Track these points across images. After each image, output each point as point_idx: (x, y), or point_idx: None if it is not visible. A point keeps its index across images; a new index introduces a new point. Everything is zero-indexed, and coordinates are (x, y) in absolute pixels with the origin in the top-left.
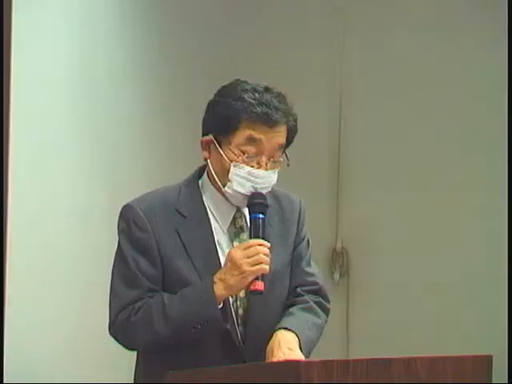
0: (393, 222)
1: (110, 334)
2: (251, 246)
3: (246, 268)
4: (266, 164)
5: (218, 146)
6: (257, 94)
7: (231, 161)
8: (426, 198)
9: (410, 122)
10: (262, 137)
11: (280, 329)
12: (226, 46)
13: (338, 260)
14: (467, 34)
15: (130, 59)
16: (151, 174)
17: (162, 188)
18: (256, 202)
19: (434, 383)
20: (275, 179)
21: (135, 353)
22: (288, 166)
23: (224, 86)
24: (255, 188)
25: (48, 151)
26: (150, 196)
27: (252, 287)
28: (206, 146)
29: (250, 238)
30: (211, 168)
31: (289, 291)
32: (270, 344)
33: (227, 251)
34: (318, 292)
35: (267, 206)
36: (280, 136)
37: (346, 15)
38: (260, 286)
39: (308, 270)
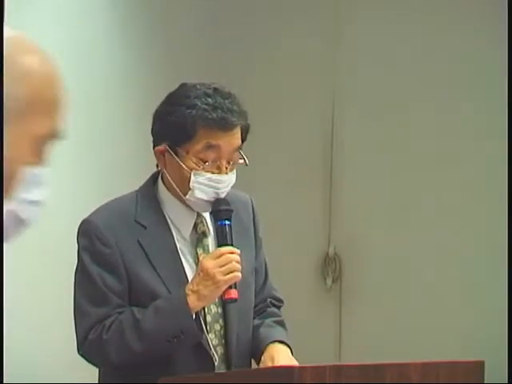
0: (386, 228)
1: (80, 354)
2: (222, 255)
3: (220, 277)
4: (226, 168)
5: (174, 155)
6: (209, 99)
7: (191, 169)
8: (420, 204)
9: (404, 126)
10: (220, 142)
11: (274, 341)
12: (217, 46)
13: (331, 265)
14: (468, 34)
15: (124, 59)
16: (148, 173)
17: (117, 199)
18: (221, 208)
19: None
20: (234, 180)
21: None
22: (246, 165)
23: (172, 93)
24: (217, 193)
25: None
26: (107, 209)
27: (226, 296)
28: (160, 155)
29: (219, 245)
30: (168, 177)
31: (257, 300)
32: (267, 354)
33: (190, 258)
34: (279, 309)
35: (232, 211)
36: (237, 138)
37: (340, 17)
38: (234, 294)
39: (273, 284)
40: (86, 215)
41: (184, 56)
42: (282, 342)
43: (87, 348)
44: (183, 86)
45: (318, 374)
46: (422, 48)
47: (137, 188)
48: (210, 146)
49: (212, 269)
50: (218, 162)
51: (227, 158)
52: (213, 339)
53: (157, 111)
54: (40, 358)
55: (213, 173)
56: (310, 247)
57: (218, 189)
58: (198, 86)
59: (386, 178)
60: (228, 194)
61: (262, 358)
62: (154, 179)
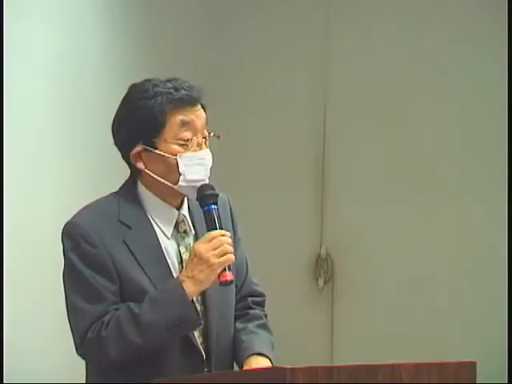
0: (378, 229)
1: (79, 353)
2: (214, 238)
3: (214, 260)
4: (204, 143)
5: (153, 150)
6: (168, 83)
7: (174, 154)
8: (411, 205)
9: (397, 127)
10: (191, 116)
11: (254, 354)
12: (208, 46)
13: (323, 266)
14: (461, 30)
15: (114, 59)
16: None
17: (98, 201)
18: (207, 193)
19: None
20: (212, 157)
21: None
22: (218, 138)
23: (127, 96)
24: (206, 170)
25: (32, 151)
26: (90, 210)
27: (222, 278)
28: (137, 157)
29: (208, 230)
30: (152, 175)
31: (237, 297)
32: (247, 367)
33: (174, 257)
34: (263, 304)
35: (218, 195)
36: (202, 112)
37: (331, 14)
38: (230, 275)
39: (253, 279)
40: (70, 214)
41: (174, 55)
42: (262, 354)
43: (86, 347)
44: (134, 85)
45: (310, 375)
46: (412, 47)
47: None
48: (184, 124)
49: (205, 253)
50: (196, 140)
51: (202, 133)
52: (198, 337)
53: (116, 120)
54: (40, 358)
55: (196, 151)
56: (301, 248)
57: (206, 165)
58: (151, 79)
59: (378, 179)
60: None
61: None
62: (133, 180)
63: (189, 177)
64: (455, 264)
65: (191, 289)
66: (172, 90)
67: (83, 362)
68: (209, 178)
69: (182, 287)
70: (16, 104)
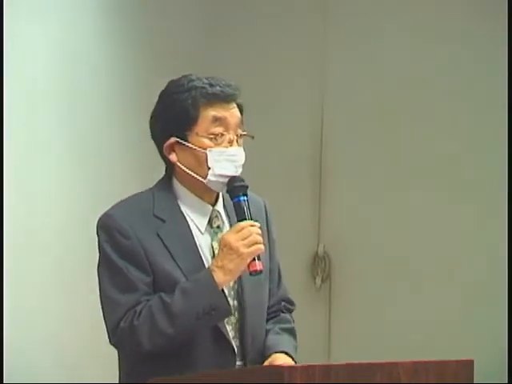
0: (375, 227)
1: (112, 343)
2: (243, 228)
3: (244, 250)
4: (236, 141)
5: (185, 142)
6: (204, 80)
7: (205, 148)
8: (409, 204)
9: (394, 124)
10: (225, 113)
11: (276, 352)
12: (205, 48)
13: (320, 265)
14: (461, 31)
15: (112, 59)
16: (133, 173)
17: (134, 195)
18: (236, 185)
19: None
20: (244, 155)
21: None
22: (253, 138)
23: (164, 91)
24: (235, 167)
25: (31, 151)
26: (126, 204)
27: (251, 268)
28: (170, 150)
29: (238, 220)
30: (183, 168)
31: (273, 300)
32: (269, 363)
33: (207, 252)
34: (292, 311)
35: (247, 187)
36: (237, 111)
37: (329, 17)
38: (259, 265)
39: (286, 286)
40: (67, 215)
41: (172, 55)
42: (286, 352)
43: (119, 336)
44: (172, 81)
45: (308, 373)
46: (411, 49)
47: (119, 188)
48: (216, 120)
49: (235, 242)
50: (228, 136)
51: (234, 130)
52: (230, 331)
53: (153, 114)
54: (40, 358)
55: (226, 147)
56: (299, 247)
57: (236, 161)
58: (188, 75)
59: (376, 178)
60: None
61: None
62: (168, 176)
63: (217, 171)
64: (454, 263)
65: (221, 279)
66: (207, 86)
67: (83, 363)
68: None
69: (212, 277)
70: (13, 104)
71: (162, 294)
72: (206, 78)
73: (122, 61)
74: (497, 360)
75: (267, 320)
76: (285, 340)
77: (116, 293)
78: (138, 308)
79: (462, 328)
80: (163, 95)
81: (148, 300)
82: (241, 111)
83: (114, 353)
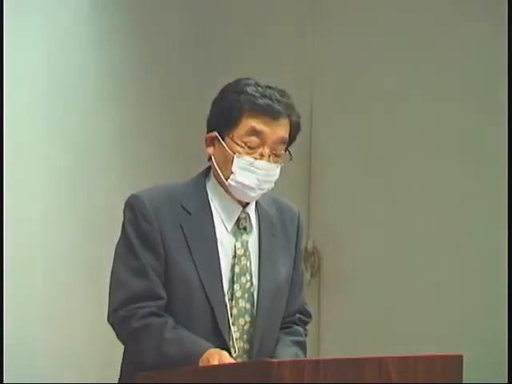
0: (364, 222)
1: (109, 321)
2: None
3: None
4: (269, 156)
5: (221, 139)
6: (259, 88)
7: (234, 152)
8: (398, 198)
9: (383, 121)
10: (265, 128)
11: None
12: (193, 45)
13: (310, 260)
14: (456, 27)
15: (102, 59)
16: (124, 172)
17: (168, 183)
18: None
19: (406, 383)
20: (277, 174)
21: None
22: (291, 160)
23: (227, 84)
24: (258, 180)
25: (20, 151)
26: (156, 190)
27: None
28: (210, 142)
29: None
30: (215, 163)
31: (289, 310)
32: None
33: (228, 250)
34: (307, 324)
35: None
36: (282, 129)
37: (317, 12)
38: None
39: (305, 299)
40: (58, 213)
41: (160, 53)
42: None
43: (116, 320)
44: (238, 79)
45: (297, 368)
46: (403, 44)
47: (111, 187)
48: (253, 131)
49: None
50: (262, 149)
51: (270, 147)
52: (235, 332)
53: (213, 101)
54: (40, 358)
55: (255, 158)
56: None
57: (259, 175)
58: (250, 79)
59: (365, 173)
60: (280, 201)
61: None
62: (207, 171)
63: (238, 178)
64: (442, 256)
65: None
66: (257, 95)
67: (83, 362)
68: (268, 189)
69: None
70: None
71: (170, 322)
72: (261, 86)
73: (116, 55)
74: (489, 356)
75: (281, 329)
76: (293, 353)
77: (126, 274)
78: (142, 311)
79: (452, 320)
80: (224, 88)
81: (157, 314)
82: (294, 129)
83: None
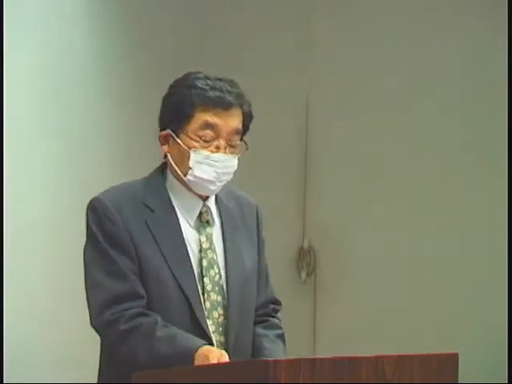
0: (360, 221)
1: (93, 325)
2: None
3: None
4: (225, 148)
5: (175, 136)
6: (209, 81)
7: (190, 148)
8: (394, 197)
9: (378, 121)
10: (218, 120)
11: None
12: (190, 47)
13: (306, 259)
14: (455, 24)
15: (97, 58)
16: (118, 170)
17: (126, 183)
18: None
19: (401, 383)
20: (236, 165)
21: None
22: (247, 149)
23: (176, 79)
24: (217, 173)
25: (16, 149)
26: (116, 190)
27: None
28: (164, 140)
29: None
30: (171, 161)
31: (261, 300)
32: None
33: (193, 245)
34: (278, 312)
35: None
36: (235, 120)
37: (314, 15)
38: None
39: (272, 286)
40: (54, 213)
41: (155, 55)
42: None
43: (101, 325)
44: (186, 73)
45: (293, 367)
46: (395, 45)
47: (104, 185)
48: (207, 125)
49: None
50: (217, 142)
51: (225, 138)
52: (211, 325)
53: (163, 97)
54: (40, 358)
55: (212, 152)
56: (284, 240)
57: (217, 168)
58: (199, 72)
59: (360, 173)
60: (238, 194)
61: None
62: (162, 167)
63: (196, 173)
64: (439, 255)
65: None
66: (207, 88)
67: (84, 363)
68: (228, 181)
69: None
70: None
71: (160, 322)
72: (211, 80)
73: (110, 57)
74: (489, 356)
75: (257, 323)
76: (280, 349)
77: (104, 278)
78: (128, 313)
79: (447, 320)
80: (173, 83)
81: (144, 314)
82: (246, 118)
83: None
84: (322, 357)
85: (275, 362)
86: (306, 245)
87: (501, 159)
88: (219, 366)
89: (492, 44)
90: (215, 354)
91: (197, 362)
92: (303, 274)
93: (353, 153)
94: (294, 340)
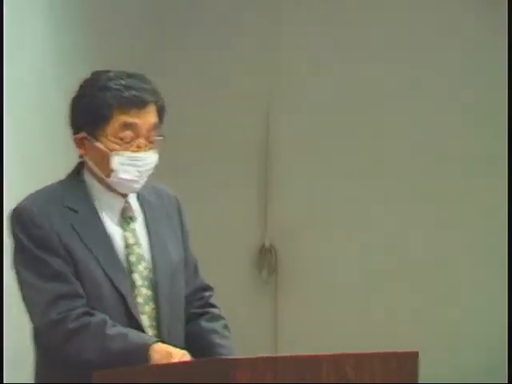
0: (322, 220)
1: (36, 325)
2: None
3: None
4: (146, 146)
5: (94, 139)
6: (122, 80)
7: (111, 150)
8: (356, 196)
9: (342, 119)
10: (136, 120)
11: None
12: (153, 46)
13: (267, 257)
14: (453, 28)
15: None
16: None
17: (44, 188)
18: None
19: (362, 382)
20: (156, 160)
21: None
22: (162, 137)
23: (85, 79)
24: (140, 172)
25: (19, 150)
26: (38, 195)
27: None
28: (80, 143)
29: None
30: (90, 163)
31: (190, 290)
32: None
33: (120, 242)
34: (212, 297)
35: None
36: (152, 116)
37: (278, 18)
38: None
39: (201, 273)
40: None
41: (118, 53)
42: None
43: (47, 325)
44: (95, 72)
45: (253, 365)
46: (359, 48)
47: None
48: (126, 125)
49: None
50: (137, 141)
51: (145, 136)
52: (145, 320)
53: (71, 100)
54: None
55: (133, 151)
56: (245, 239)
57: (140, 167)
58: (111, 71)
59: (322, 172)
60: (157, 187)
61: None
62: (78, 167)
63: (120, 175)
64: (398, 252)
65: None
66: (122, 88)
67: None
68: (147, 177)
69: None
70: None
71: (108, 322)
72: (122, 78)
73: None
74: (489, 356)
75: (198, 315)
76: (232, 344)
77: (41, 281)
78: (75, 312)
79: (409, 317)
80: (82, 86)
81: (90, 314)
82: (160, 112)
83: None
84: (283, 355)
85: (235, 360)
86: (267, 244)
87: (501, 159)
88: (180, 366)
89: (492, 44)
90: (178, 354)
91: (155, 358)
92: (264, 274)
93: (314, 152)
94: (256, 339)
